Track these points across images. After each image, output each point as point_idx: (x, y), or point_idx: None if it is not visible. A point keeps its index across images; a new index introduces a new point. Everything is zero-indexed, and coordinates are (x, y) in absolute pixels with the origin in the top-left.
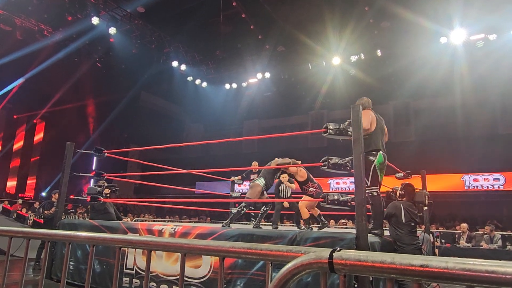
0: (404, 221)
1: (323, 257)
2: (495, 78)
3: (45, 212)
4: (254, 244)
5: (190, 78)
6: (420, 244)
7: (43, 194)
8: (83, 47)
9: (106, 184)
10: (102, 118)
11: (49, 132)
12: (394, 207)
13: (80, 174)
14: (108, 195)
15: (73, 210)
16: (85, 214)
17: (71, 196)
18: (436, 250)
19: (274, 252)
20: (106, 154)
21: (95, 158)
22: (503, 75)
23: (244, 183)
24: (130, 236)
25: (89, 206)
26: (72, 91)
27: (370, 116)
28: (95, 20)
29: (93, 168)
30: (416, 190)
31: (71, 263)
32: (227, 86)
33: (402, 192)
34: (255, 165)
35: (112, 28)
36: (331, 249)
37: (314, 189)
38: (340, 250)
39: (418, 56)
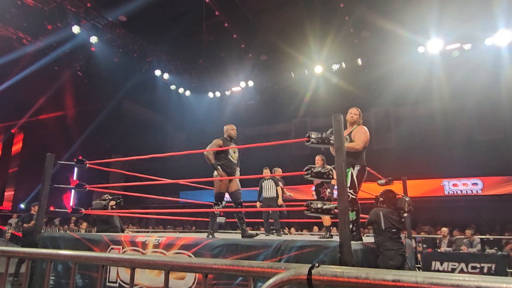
0: (384, 228)
1: (302, 273)
2: (472, 86)
3: (24, 225)
4: (236, 260)
5: (173, 87)
6: (403, 250)
7: (22, 206)
8: (64, 56)
9: (110, 197)
10: (84, 128)
11: (28, 143)
12: (374, 214)
13: (61, 185)
14: (114, 207)
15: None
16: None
17: (51, 208)
18: (419, 255)
19: (255, 269)
20: (87, 165)
21: (76, 169)
22: (479, 83)
23: None
24: (113, 254)
25: (95, 219)
26: (52, 100)
27: (367, 135)
28: (75, 29)
29: (74, 179)
30: (398, 196)
31: (52, 277)
32: (210, 94)
33: (382, 199)
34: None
35: (93, 37)
36: (310, 265)
37: (329, 194)
38: (318, 266)
39: (397, 65)
